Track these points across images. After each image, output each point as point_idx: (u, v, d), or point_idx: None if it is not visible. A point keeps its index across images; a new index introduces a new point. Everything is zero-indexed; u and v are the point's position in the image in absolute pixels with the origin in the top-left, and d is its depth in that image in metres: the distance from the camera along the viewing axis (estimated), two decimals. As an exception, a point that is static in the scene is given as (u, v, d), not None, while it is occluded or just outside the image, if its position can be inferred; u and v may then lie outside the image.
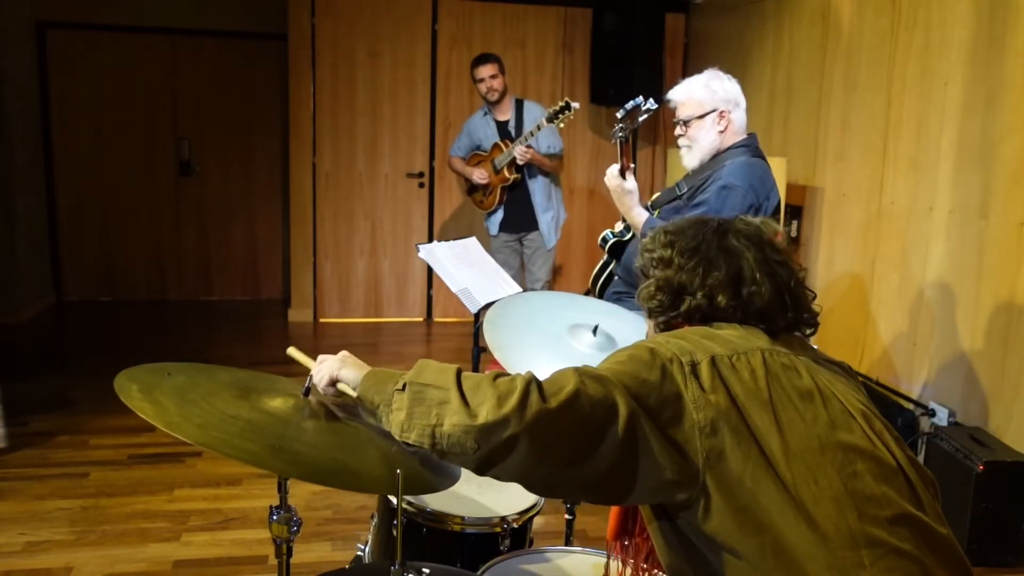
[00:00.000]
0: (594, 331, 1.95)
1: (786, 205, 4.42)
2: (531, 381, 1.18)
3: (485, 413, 1.16)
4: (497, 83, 4.76)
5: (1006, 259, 3.16)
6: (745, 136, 2.80)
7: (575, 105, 4.30)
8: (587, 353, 1.90)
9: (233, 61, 6.50)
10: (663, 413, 1.18)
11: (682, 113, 2.80)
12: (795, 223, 4.59)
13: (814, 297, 1.42)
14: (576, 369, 1.21)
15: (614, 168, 2.81)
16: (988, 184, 3.25)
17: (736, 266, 1.34)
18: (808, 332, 1.41)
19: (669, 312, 1.38)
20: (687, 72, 6.21)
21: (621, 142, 2.97)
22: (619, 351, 1.28)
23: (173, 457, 3.65)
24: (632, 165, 2.90)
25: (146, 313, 6.34)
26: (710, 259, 1.35)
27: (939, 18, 3.54)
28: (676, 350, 1.24)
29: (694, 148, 2.78)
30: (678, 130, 2.84)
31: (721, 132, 2.75)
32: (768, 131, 4.93)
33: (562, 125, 4.43)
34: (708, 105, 2.75)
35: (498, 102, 4.82)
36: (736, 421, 1.18)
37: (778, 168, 4.38)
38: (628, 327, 2.04)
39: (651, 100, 2.96)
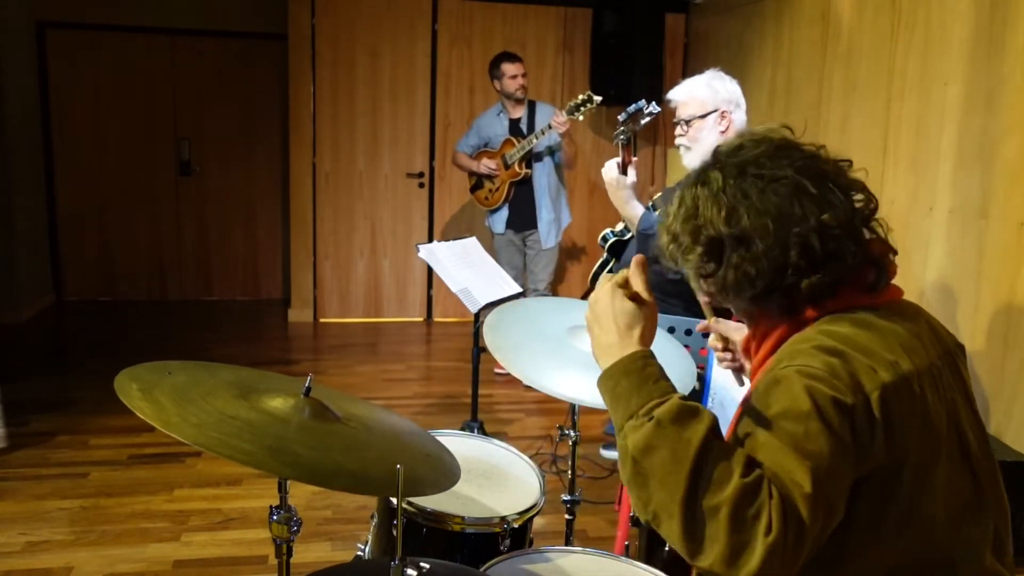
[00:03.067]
0: (594, 331, 1.94)
1: (786, 205, 4.41)
2: (778, 540, 0.97)
3: (710, 561, 0.99)
4: (526, 80, 4.89)
5: (1006, 259, 3.16)
6: None
7: (597, 98, 4.32)
8: (589, 353, 1.90)
9: (233, 61, 6.50)
10: (838, 475, 1.05)
11: (683, 113, 2.77)
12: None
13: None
14: (805, 502, 1.00)
15: (613, 162, 2.77)
16: (988, 184, 3.25)
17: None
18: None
19: (768, 299, 1.15)
20: (687, 72, 6.21)
21: (623, 144, 2.98)
22: (767, 398, 1.07)
23: (173, 457, 3.65)
24: (634, 158, 2.88)
25: (146, 313, 6.34)
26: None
27: (939, 18, 3.54)
28: (833, 386, 1.05)
29: (695, 148, 2.74)
30: (679, 130, 2.80)
31: (723, 132, 2.71)
32: (768, 131, 4.93)
33: (581, 118, 4.47)
34: (710, 105, 2.71)
35: (522, 100, 4.90)
36: (891, 475, 1.09)
37: (778, 168, 4.38)
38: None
39: (653, 103, 2.96)
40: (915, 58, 3.69)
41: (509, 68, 4.83)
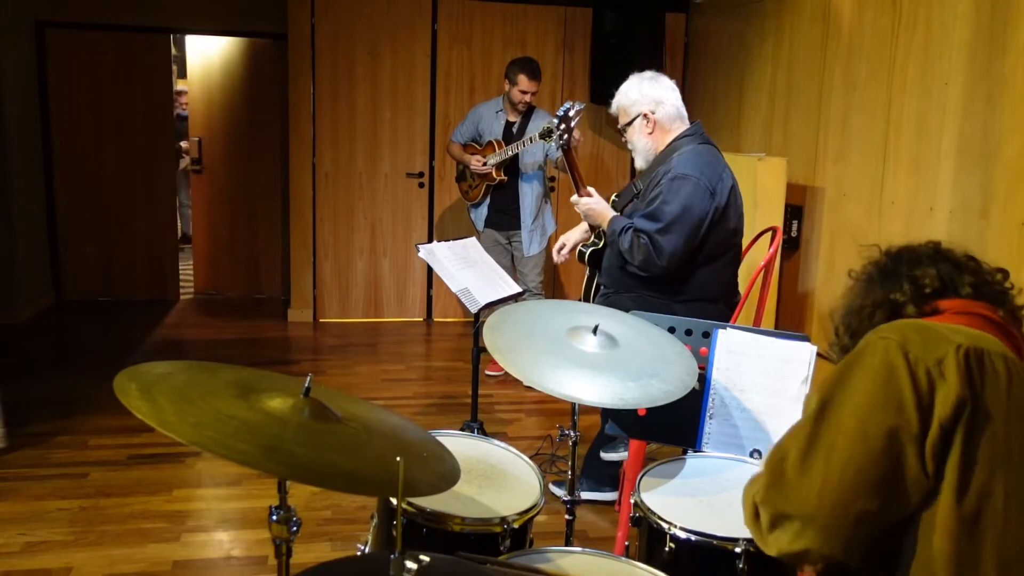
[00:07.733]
0: (594, 331, 1.95)
1: (786, 205, 4.41)
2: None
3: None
4: (533, 100, 4.88)
5: (1007, 259, 3.15)
6: (688, 126, 2.96)
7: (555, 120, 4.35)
8: (590, 352, 1.90)
9: (233, 61, 6.50)
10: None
11: (619, 121, 3.05)
12: (795, 223, 4.58)
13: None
14: None
15: (574, 196, 3.08)
16: (989, 184, 3.25)
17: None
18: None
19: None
20: (687, 72, 6.21)
21: (564, 150, 3.13)
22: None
23: (172, 457, 3.65)
24: (585, 187, 3.09)
25: (146, 313, 6.34)
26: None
27: (939, 18, 3.54)
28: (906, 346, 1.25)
29: (635, 152, 3.02)
30: (623, 136, 3.07)
31: (650, 133, 2.95)
32: (768, 131, 4.93)
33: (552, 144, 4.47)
34: (632, 112, 2.98)
35: (522, 110, 4.90)
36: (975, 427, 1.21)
37: (778, 168, 4.38)
38: (627, 327, 2.04)
39: (577, 103, 3.14)
40: (915, 58, 3.69)
41: (523, 82, 4.76)
